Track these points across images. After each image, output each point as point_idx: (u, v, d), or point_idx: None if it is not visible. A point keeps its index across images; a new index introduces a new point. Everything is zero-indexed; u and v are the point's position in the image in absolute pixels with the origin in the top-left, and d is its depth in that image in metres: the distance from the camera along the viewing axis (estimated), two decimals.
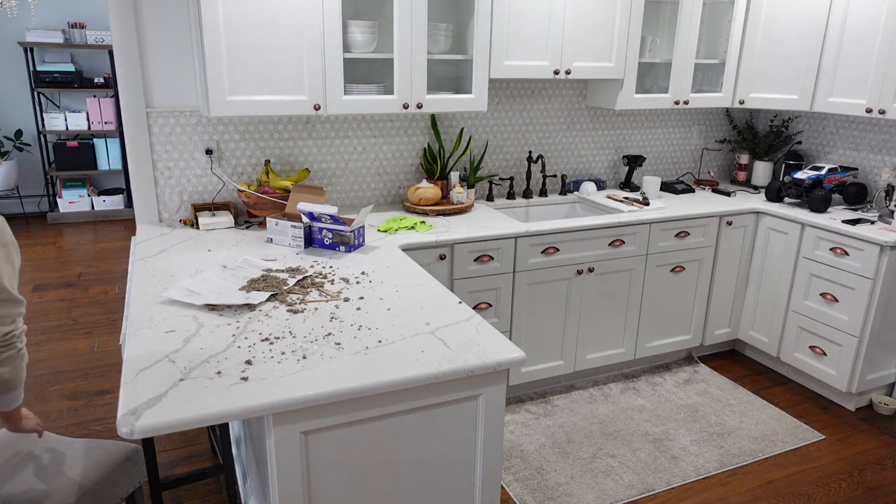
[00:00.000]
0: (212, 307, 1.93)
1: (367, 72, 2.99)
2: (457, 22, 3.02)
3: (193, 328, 1.80)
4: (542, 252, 3.00)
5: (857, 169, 3.54)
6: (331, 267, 2.33)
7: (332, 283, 2.16)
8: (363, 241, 2.61)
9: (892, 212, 3.19)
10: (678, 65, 3.40)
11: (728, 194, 3.71)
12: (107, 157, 6.44)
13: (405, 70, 2.78)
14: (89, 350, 3.71)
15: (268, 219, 2.59)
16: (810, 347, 3.30)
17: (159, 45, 2.73)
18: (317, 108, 2.67)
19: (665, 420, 3.08)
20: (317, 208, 2.51)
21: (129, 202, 6.58)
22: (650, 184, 3.58)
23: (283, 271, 2.24)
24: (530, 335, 3.10)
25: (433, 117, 3.24)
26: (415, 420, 1.66)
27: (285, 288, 2.08)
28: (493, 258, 2.89)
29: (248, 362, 1.61)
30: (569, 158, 3.71)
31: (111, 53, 6.10)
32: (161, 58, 2.74)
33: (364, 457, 1.63)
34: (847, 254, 3.07)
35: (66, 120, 6.20)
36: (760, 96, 3.58)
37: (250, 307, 1.94)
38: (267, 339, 1.74)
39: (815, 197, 3.30)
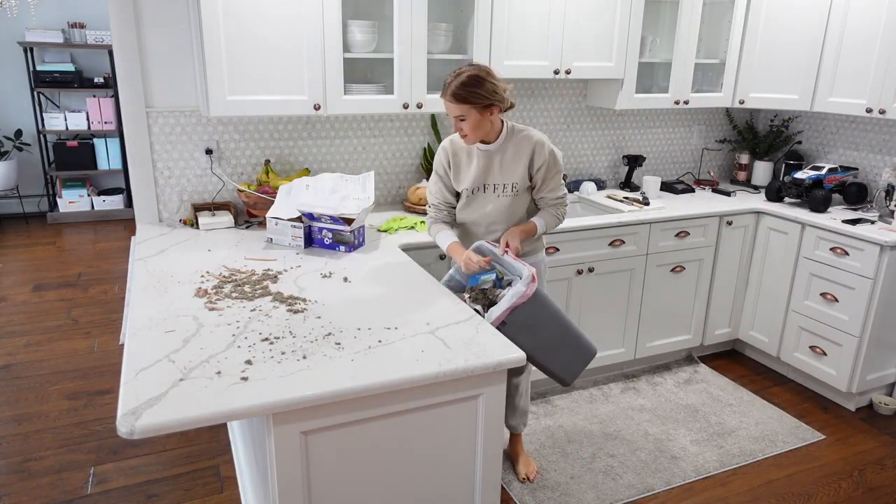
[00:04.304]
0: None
1: (367, 72, 2.99)
2: (457, 22, 3.01)
3: (193, 328, 1.80)
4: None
5: (857, 169, 3.54)
6: (331, 267, 2.33)
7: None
8: (363, 240, 2.61)
9: (893, 212, 3.19)
10: (678, 65, 3.40)
11: (728, 194, 3.71)
12: (107, 156, 6.43)
13: (405, 70, 2.78)
14: (89, 350, 3.71)
15: (268, 218, 2.59)
16: (810, 347, 3.30)
17: (159, 45, 2.72)
18: (317, 107, 2.67)
19: (665, 420, 3.08)
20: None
21: (129, 202, 6.57)
22: (650, 184, 3.58)
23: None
24: None
25: (433, 117, 3.24)
26: (415, 420, 1.66)
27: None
28: None
29: (248, 362, 1.61)
30: (569, 158, 3.70)
31: (111, 53, 6.08)
32: (161, 58, 2.74)
33: (364, 457, 1.63)
34: (847, 254, 3.07)
35: (65, 120, 6.20)
36: (760, 96, 3.58)
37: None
38: (267, 339, 1.74)
39: (815, 197, 3.30)
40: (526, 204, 2.36)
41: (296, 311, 1.92)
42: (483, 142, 2.26)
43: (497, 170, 2.28)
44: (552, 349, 2.11)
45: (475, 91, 2.09)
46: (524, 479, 2.61)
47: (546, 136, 2.30)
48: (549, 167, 2.28)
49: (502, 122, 2.26)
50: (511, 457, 2.71)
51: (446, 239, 2.34)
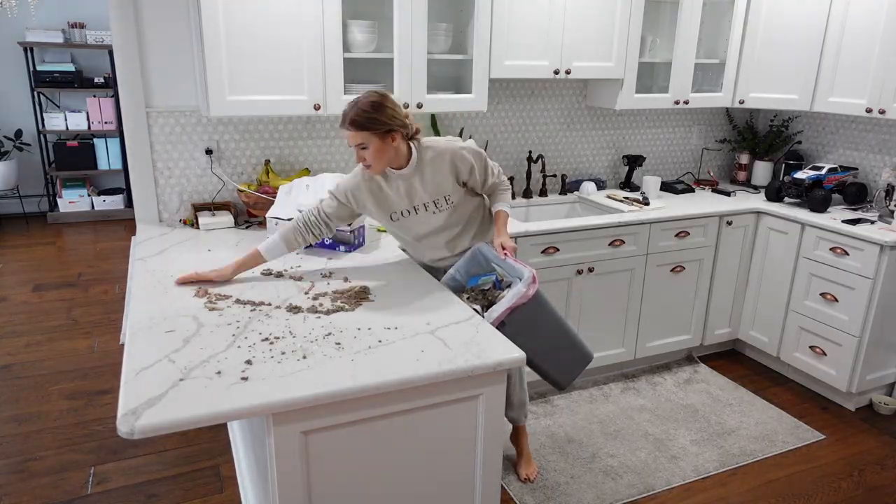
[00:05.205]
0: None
1: (367, 71, 2.99)
2: (457, 22, 3.01)
3: (193, 328, 1.80)
4: (542, 252, 2.99)
5: (857, 169, 3.54)
6: (331, 266, 2.33)
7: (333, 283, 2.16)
8: (363, 240, 2.61)
9: (892, 211, 3.19)
10: (678, 65, 3.40)
11: (728, 194, 3.71)
12: (107, 156, 6.44)
13: (405, 70, 2.78)
14: (89, 350, 3.71)
15: (268, 218, 2.59)
16: (810, 347, 3.30)
17: (159, 45, 2.72)
18: (317, 107, 2.67)
19: (665, 420, 3.08)
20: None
21: (129, 202, 6.57)
22: (650, 184, 3.58)
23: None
24: None
25: (433, 117, 3.24)
26: (415, 420, 1.66)
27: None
28: None
29: (248, 362, 1.61)
30: (569, 158, 3.71)
31: (111, 53, 6.09)
32: (161, 58, 2.74)
33: (364, 457, 1.63)
34: (847, 254, 3.07)
35: (66, 120, 6.20)
36: (760, 96, 3.58)
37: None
38: (267, 339, 1.74)
39: (815, 197, 3.30)
40: (473, 205, 2.33)
41: (296, 311, 1.92)
42: (397, 168, 2.17)
43: (420, 190, 2.21)
44: (549, 352, 2.11)
45: (374, 117, 2.02)
46: (525, 479, 2.61)
47: (453, 139, 2.24)
48: (478, 164, 2.23)
49: (409, 146, 2.16)
50: (515, 450, 2.70)
51: (268, 242, 2.23)
